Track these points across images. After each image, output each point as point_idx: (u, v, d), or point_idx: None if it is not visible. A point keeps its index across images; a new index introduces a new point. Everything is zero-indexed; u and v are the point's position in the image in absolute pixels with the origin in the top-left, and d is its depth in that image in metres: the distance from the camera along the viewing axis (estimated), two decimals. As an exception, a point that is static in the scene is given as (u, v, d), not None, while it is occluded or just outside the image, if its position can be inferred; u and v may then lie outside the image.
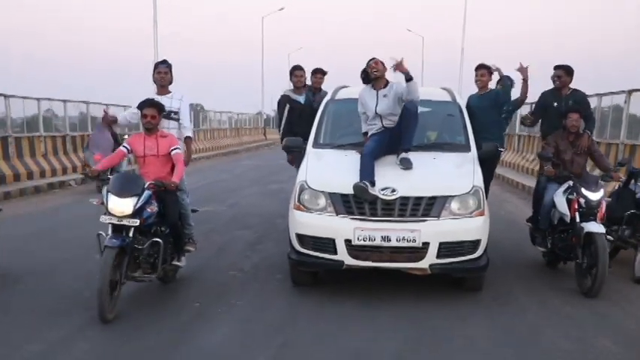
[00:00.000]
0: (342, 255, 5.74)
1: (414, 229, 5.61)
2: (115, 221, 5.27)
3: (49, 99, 17.45)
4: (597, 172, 7.31)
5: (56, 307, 5.57)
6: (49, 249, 7.89)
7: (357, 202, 5.74)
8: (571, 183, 6.53)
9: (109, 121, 7.15)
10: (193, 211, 6.71)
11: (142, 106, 6.01)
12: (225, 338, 5.00)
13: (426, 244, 5.62)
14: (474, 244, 5.77)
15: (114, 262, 5.10)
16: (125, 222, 5.25)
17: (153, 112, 5.93)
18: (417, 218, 5.68)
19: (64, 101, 18.12)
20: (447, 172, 6.24)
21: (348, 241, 5.69)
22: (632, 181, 7.02)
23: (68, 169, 16.61)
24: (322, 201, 5.87)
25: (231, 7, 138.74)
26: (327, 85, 8.50)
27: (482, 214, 5.84)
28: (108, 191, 5.35)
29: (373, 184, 5.75)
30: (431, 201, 5.71)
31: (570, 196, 6.41)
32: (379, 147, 6.20)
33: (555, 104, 7.40)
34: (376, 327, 5.23)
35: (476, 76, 7.85)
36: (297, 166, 6.78)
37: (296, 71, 8.45)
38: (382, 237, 5.61)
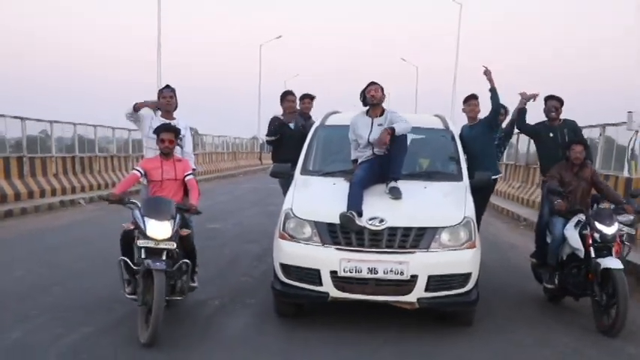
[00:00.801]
0: (328, 286, 5.49)
1: (402, 261, 5.37)
2: (151, 245, 5.26)
3: (59, 122, 18.20)
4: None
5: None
6: (71, 261, 8.34)
7: (344, 232, 5.52)
8: (582, 217, 6.23)
9: (152, 105, 6.80)
10: None
11: (159, 130, 6.01)
12: (244, 326, 5.85)
13: (414, 277, 5.37)
14: (465, 278, 5.52)
15: (152, 286, 5.07)
16: (162, 245, 5.28)
17: (171, 136, 5.95)
18: (406, 250, 5.44)
19: (74, 124, 19.07)
20: (437, 202, 6.01)
21: (333, 273, 5.44)
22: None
23: (77, 189, 17.31)
24: (308, 230, 5.64)
25: (231, 35, 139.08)
26: (319, 111, 8.26)
27: (473, 246, 5.60)
28: (143, 215, 5.34)
29: (360, 214, 5.52)
30: (420, 232, 5.48)
31: (584, 231, 6.11)
32: (369, 175, 5.98)
33: (551, 135, 7.17)
34: None
35: (468, 106, 7.71)
36: (285, 193, 6.59)
37: (288, 96, 8.32)
38: (369, 269, 5.37)
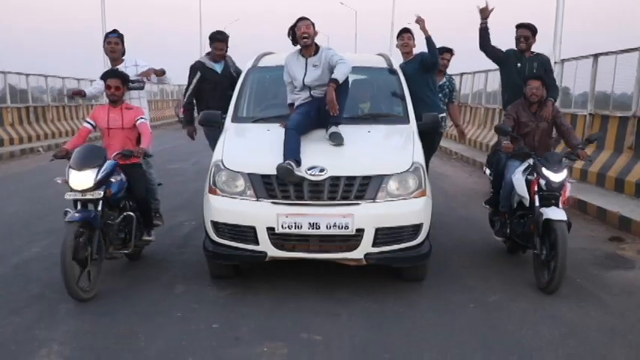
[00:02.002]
0: (265, 245, 4.90)
1: (347, 214, 4.81)
2: (79, 196, 4.96)
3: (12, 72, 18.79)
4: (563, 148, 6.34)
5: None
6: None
7: (281, 184, 4.90)
8: (531, 161, 5.62)
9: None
10: (158, 184, 6.57)
11: (105, 76, 5.74)
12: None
13: (360, 231, 4.82)
14: (415, 229, 5.00)
15: (78, 239, 4.76)
16: (89, 195, 4.95)
17: (117, 82, 5.65)
18: (350, 201, 4.88)
19: (27, 75, 19.77)
20: (383, 147, 5.44)
21: (270, 229, 4.85)
22: None
23: (33, 137, 18.35)
24: (241, 183, 5.00)
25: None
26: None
27: (423, 194, 5.07)
28: (69, 167, 5.03)
29: (299, 163, 4.90)
30: (365, 181, 4.91)
31: (530, 177, 5.54)
32: (306, 120, 5.34)
33: (519, 65, 6.56)
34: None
35: (401, 40, 6.89)
36: (212, 145, 5.91)
37: (218, 36, 7.21)
38: (310, 224, 4.79)
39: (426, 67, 6.64)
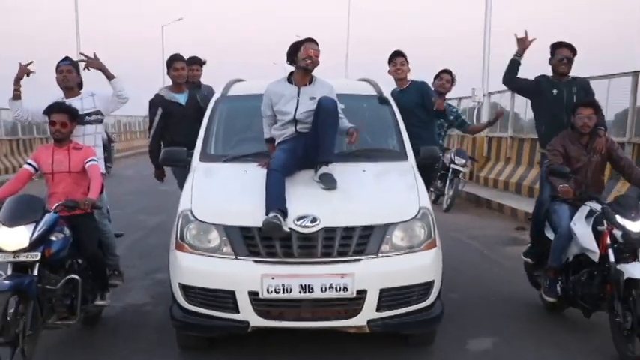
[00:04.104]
0: (246, 313, 3.99)
1: (345, 273, 3.94)
2: (10, 258, 4.09)
3: None
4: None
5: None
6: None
7: (264, 239, 4.02)
8: (596, 206, 4.69)
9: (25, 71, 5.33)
10: (117, 235, 5.53)
11: (49, 111, 4.83)
12: None
13: (362, 293, 3.96)
14: (426, 288, 4.16)
15: (8, 311, 3.88)
16: (23, 257, 4.09)
17: (63, 118, 4.76)
18: (349, 257, 4.02)
19: None
20: (383, 190, 4.57)
21: (253, 294, 3.95)
22: None
23: None
24: (215, 237, 4.10)
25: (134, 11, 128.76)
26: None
27: (433, 245, 4.23)
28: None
29: (285, 213, 4.04)
30: (366, 232, 4.05)
31: (599, 227, 4.57)
32: (292, 159, 4.48)
33: (555, 92, 5.52)
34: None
35: (394, 65, 6.09)
36: (180, 186, 5.01)
37: (175, 63, 6.32)
38: (301, 286, 3.92)
39: (427, 107, 5.90)
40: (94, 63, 5.41)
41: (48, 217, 4.26)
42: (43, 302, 4.21)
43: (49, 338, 4.62)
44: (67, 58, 5.39)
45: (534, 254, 5.48)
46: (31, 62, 5.25)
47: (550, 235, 5.18)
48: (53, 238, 4.28)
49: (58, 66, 5.35)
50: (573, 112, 5.13)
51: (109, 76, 5.40)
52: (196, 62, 6.75)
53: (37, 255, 4.10)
